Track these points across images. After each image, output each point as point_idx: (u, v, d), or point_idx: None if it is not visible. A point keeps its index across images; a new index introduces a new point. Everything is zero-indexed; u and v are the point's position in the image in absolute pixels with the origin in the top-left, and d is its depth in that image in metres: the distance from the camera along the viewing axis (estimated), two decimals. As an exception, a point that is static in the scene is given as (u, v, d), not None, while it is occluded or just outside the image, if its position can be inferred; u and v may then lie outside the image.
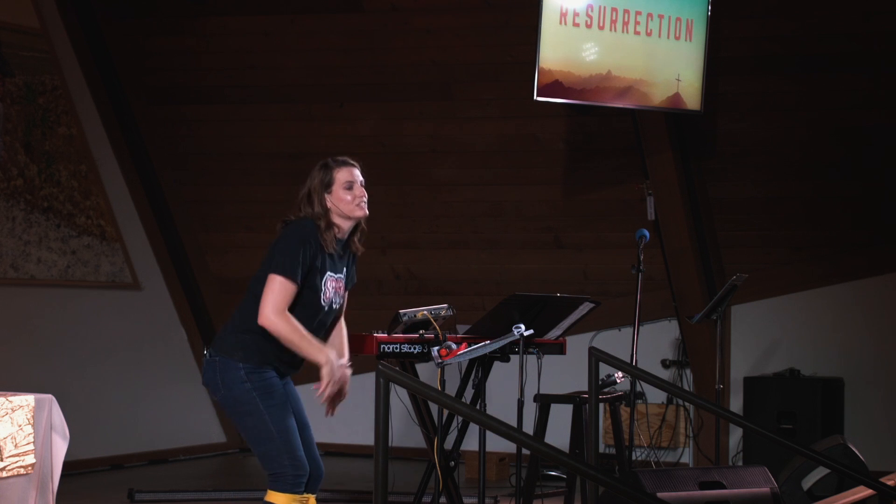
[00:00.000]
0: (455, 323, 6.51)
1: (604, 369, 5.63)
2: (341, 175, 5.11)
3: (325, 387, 4.94)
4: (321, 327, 5.13)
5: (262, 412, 4.94)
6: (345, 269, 5.17)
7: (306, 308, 5.03)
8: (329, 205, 5.08)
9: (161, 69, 9.64)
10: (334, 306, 5.14)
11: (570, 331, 6.55)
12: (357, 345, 6.13)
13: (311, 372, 5.19)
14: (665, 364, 9.52)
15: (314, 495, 5.10)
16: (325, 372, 4.95)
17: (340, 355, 5.24)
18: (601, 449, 8.89)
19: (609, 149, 9.13)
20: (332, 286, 5.10)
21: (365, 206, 5.13)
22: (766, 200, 9.07)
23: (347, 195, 5.09)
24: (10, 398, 5.13)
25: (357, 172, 5.15)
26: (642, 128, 8.70)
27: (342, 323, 5.32)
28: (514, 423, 5.03)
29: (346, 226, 5.12)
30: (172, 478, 8.89)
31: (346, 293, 5.24)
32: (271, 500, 4.99)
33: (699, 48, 8.16)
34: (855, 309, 9.13)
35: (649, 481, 5.58)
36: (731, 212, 9.13)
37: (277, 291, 4.93)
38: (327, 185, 5.10)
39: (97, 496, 8.11)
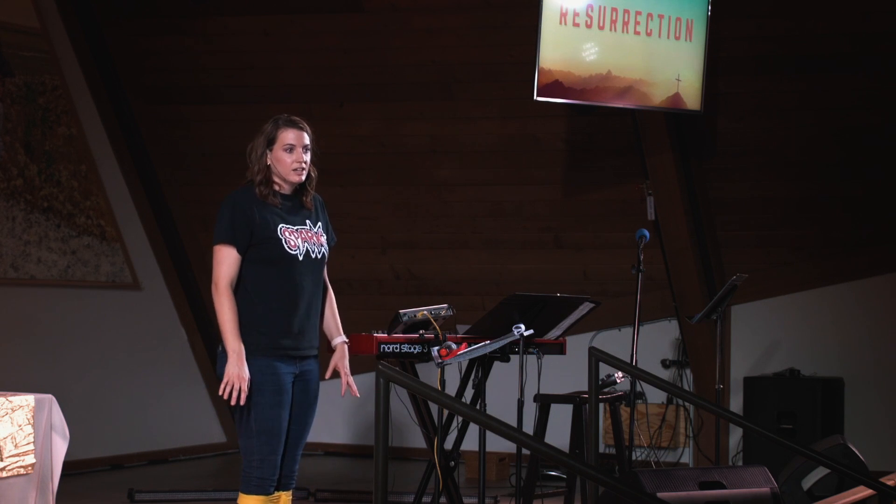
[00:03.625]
0: (455, 323, 6.51)
1: (604, 369, 5.63)
2: (285, 135, 5.06)
3: (224, 383, 4.85)
4: (307, 286, 5.04)
5: (249, 408, 4.93)
6: (308, 221, 5.10)
7: (275, 263, 4.97)
8: (269, 162, 5.06)
9: (161, 69, 9.64)
10: (313, 255, 5.07)
11: (570, 331, 6.54)
12: (357, 345, 6.13)
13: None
14: (665, 364, 9.52)
15: (287, 492, 5.08)
16: (228, 365, 4.85)
17: (337, 333, 5.25)
18: (601, 449, 8.89)
19: (609, 149, 9.13)
20: (298, 236, 5.04)
21: (302, 172, 5.06)
22: (766, 200, 9.07)
23: (286, 157, 5.05)
24: (10, 398, 5.13)
25: (304, 136, 5.08)
26: (642, 128, 8.70)
27: (331, 298, 5.27)
28: (514, 423, 5.03)
29: (287, 185, 5.09)
30: (172, 478, 8.89)
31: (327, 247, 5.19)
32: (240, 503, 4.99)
33: (699, 48, 8.16)
34: (855, 309, 9.13)
35: (649, 481, 5.58)
36: (731, 212, 9.13)
37: (219, 262, 4.95)
38: (270, 143, 5.07)
39: (97, 496, 8.11)
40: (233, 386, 4.85)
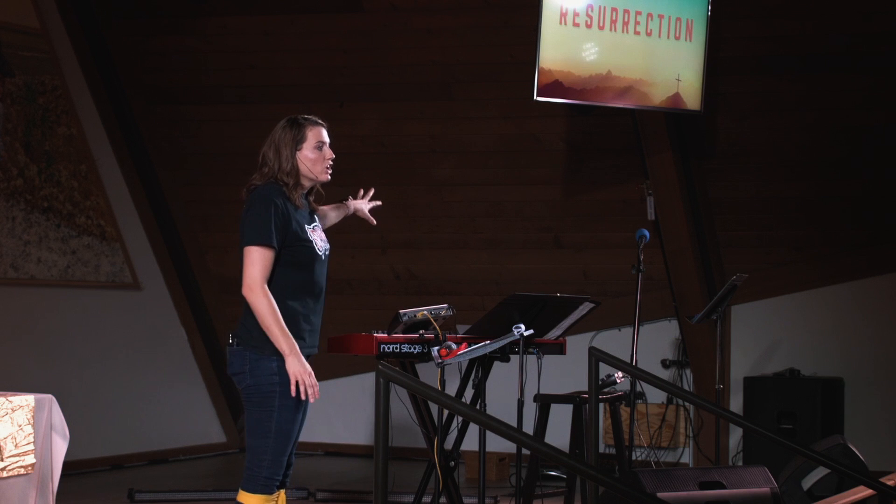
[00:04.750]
0: (455, 323, 6.51)
1: (604, 369, 5.63)
2: (312, 134, 5.05)
3: (294, 385, 4.81)
4: (324, 285, 5.07)
5: (273, 409, 4.88)
6: (315, 218, 5.12)
7: (305, 266, 4.96)
8: (297, 162, 5.02)
9: (161, 69, 9.64)
10: (327, 253, 5.09)
11: (570, 331, 6.54)
12: (357, 345, 6.13)
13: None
14: (665, 364, 9.52)
15: (284, 491, 5.08)
16: (290, 365, 4.80)
17: (344, 203, 5.58)
18: (601, 449, 8.89)
19: (609, 149, 9.13)
20: (318, 236, 5.05)
21: (330, 170, 5.08)
22: (766, 200, 9.08)
23: (317, 155, 5.04)
24: (10, 398, 5.14)
25: (326, 134, 5.09)
26: (642, 128, 8.70)
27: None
28: (514, 423, 5.03)
29: (308, 184, 5.08)
30: (172, 478, 8.89)
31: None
32: (242, 501, 4.95)
33: (699, 48, 8.16)
34: (855, 309, 9.13)
35: (649, 481, 5.58)
36: (731, 212, 9.13)
37: (254, 262, 4.85)
38: (298, 143, 5.03)
39: (97, 496, 8.11)
40: (304, 383, 4.81)
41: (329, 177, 5.08)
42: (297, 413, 4.95)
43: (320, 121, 5.12)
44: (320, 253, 5.02)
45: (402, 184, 9.60)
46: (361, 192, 5.75)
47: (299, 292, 4.96)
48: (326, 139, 5.08)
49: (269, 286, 4.88)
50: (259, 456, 4.93)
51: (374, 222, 5.76)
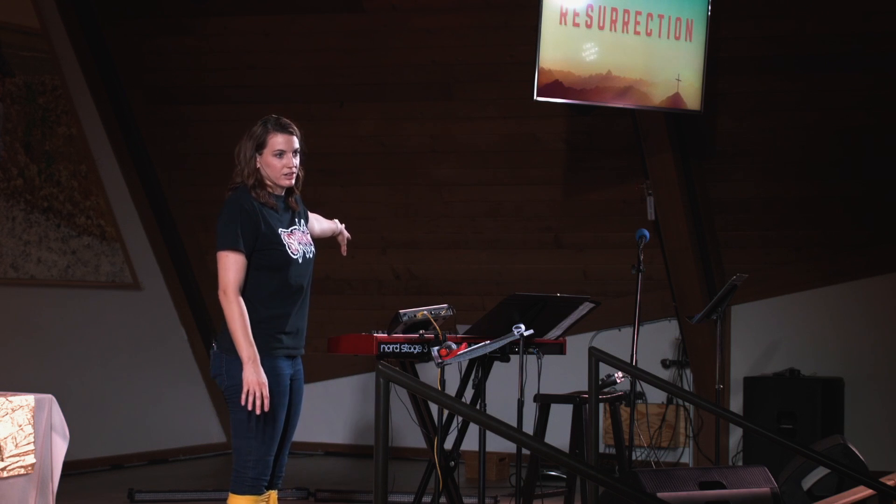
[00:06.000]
0: (455, 323, 6.51)
1: (604, 369, 5.63)
2: (275, 140, 5.01)
3: (245, 392, 4.82)
4: (304, 287, 5.06)
5: (252, 409, 4.90)
6: (296, 221, 5.10)
7: (279, 269, 4.96)
8: (258, 165, 5.01)
9: (161, 69, 9.64)
10: (308, 255, 5.07)
11: (570, 331, 6.54)
12: (357, 345, 6.13)
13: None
14: (665, 364, 9.52)
15: (275, 491, 5.08)
16: (245, 373, 4.83)
17: (333, 224, 5.59)
18: (601, 449, 8.88)
19: (609, 149, 9.13)
20: (294, 238, 5.04)
21: (292, 177, 5.03)
22: (766, 200, 9.08)
23: (277, 162, 5.00)
24: (10, 398, 5.14)
25: (294, 141, 5.03)
26: (642, 128, 8.70)
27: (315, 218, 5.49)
28: (514, 423, 5.03)
29: (279, 188, 5.06)
30: (172, 478, 8.89)
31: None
32: None
33: (699, 48, 8.16)
34: (855, 309, 9.13)
35: (649, 481, 5.58)
36: (731, 212, 9.13)
37: (226, 268, 4.89)
38: (259, 147, 5.01)
39: (97, 496, 8.11)
40: (255, 394, 4.82)
41: (290, 182, 5.04)
42: (279, 412, 4.95)
43: (292, 128, 5.07)
44: (295, 256, 5.00)
45: (402, 184, 9.60)
46: (336, 220, 5.75)
47: (275, 295, 4.98)
48: (293, 146, 5.02)
49: (244, 290, 4.92)
50: (244, 457, 4.94)
51: (345, 254, 5.73)
